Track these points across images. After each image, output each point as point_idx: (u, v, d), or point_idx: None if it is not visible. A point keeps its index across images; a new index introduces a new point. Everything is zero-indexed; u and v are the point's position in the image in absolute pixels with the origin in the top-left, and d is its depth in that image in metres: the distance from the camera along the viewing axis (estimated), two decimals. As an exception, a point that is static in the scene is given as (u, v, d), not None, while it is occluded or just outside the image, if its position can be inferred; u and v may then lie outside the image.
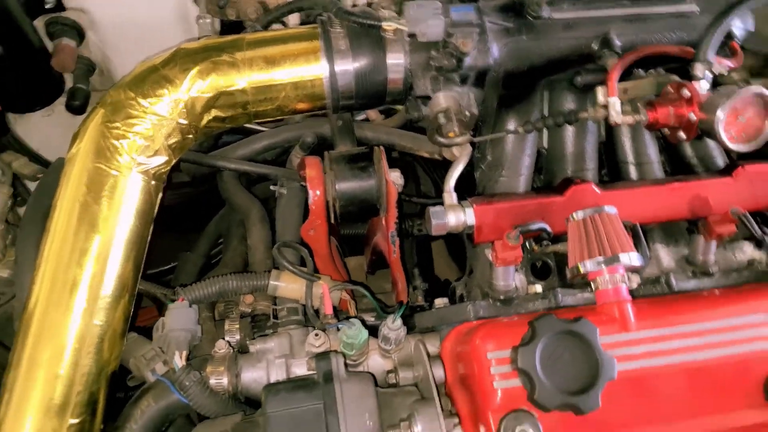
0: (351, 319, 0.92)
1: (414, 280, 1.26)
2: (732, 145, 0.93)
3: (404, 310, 0.98)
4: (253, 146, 1.25)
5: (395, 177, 1.10)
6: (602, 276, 0.88)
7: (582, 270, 0.88)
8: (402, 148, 1.27)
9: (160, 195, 1.01)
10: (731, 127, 0.93)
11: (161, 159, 0.97)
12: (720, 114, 0.92)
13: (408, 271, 1.32)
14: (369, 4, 1.09)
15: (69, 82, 1.50)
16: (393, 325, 0.93)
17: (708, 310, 0.87)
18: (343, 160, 1.07)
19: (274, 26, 1.14)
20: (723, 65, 0.99)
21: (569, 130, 1.17)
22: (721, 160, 1.21)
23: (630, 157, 1.19)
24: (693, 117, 0.97)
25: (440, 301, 1.08)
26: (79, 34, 1.46)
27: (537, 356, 0.78)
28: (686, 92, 0.98)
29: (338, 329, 0.94)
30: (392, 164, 1.16)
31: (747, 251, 1.14)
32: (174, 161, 1.00)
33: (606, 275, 0.87)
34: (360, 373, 0.93)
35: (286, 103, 1.00)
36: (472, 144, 1.08)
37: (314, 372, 0.87)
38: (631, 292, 1.02)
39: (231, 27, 1.51)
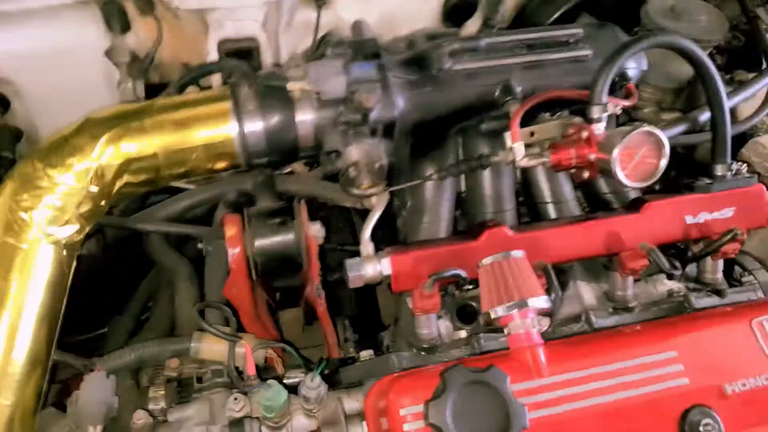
0: (269, 381, 0.91)
1: (345, 331, 1.26)
2: (628, 183, 0.97)
3: (324, 367, 0.97)
4: (175, 206, 1.25)
5: (315, 230, 1.11)
6: (513, 321, 0.89)
7: (493, 316, 0.90)
8: (325, 200, 1.29)
9: (74, 264, 1.00)
10: (627, 165, 0.97)
11: (72, 228, 0.96)
12: (615, 153, 0.96)
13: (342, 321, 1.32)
14: (277, 65, 1.12)
15: (-6, 151, 1.49)
16: (312, 384, 0.92)
17: (621, 350, 0.89)
18: (262, 216, 1.08)
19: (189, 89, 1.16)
20: (618, 106, 1.04)
21: (485, 174, 1.20)
22: (634, 193, 1.26)
23: (547, 196, 1.24)
24: (592, 157, 1.02)
25: (366, 354, 1.08)
26: (3, 103, 1.45)
27: (448, 410, 0.78)
28: (585, 134, 1.03)
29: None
30: (327, 213, 1.17)
31: (667, 283, 1.18)
32: (87, 229, 0.99)
33: (516, 320, 0.89)
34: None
35: (198, 164, 1.01)
36: (392, 193, 1.10)
37: (230, 439, 0.85)
38: (550, 333, 1.04)
39: (157, 89, 1.53)
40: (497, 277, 0.91)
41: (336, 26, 1.56)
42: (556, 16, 1.61)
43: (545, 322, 0.90)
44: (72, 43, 1.40)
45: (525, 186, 1.26)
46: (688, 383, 0.85)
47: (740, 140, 1.43)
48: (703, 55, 1.05)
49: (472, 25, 1.71)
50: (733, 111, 1.45)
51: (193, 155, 0.99)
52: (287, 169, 1.35)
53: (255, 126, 0.99)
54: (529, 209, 1.28)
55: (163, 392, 1.06)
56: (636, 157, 0.97)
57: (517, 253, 0.93)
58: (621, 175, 0.96)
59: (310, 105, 1.01)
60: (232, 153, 1.01)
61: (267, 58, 1.45)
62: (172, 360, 1.13)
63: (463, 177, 1.22)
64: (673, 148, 1.56)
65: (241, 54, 1.43)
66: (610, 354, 0.87)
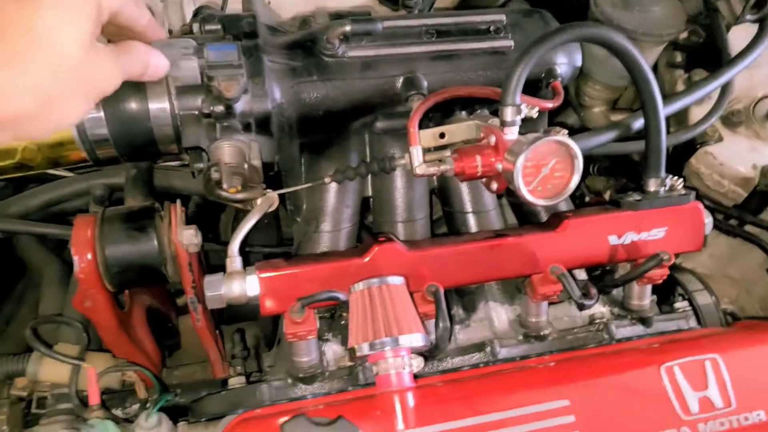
0: (90, 419, 0.77)
1: (234, 347, 1.11)
2: (532, 199, 0.83)
3: (164, 402, 0.83)
4: (30, 201, 1.09)
5: (187, 236, 0.96)
6: (382, 360, 0.75)
7: (359, 353, 0.76)
8: (216, 199, 1.13)
9: None
10: (533, 180, 0.83)
11: None
12: (518, 163, 0.81)
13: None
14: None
15: None
16: (145, 424, 0.77)
17: (505, 396, 0.76)
18: (117, 219, 0.92)
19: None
20: (535, 107, 0.89)
21: (396, 177, 1.05)
22: (564, 204, 1.12)
23: (467, 205, 1.09)
24: (500, 167, 0.87)
25: (235, 381, 0.94)
26: None
27: (285, 469, 0.65)
28: (493, 138, 0.88)
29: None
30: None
31: (594, 307, 1.05)
32: None
33: (386, 359, 0.75)
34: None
35: (30, 156, 0.85)
36: (282, 196, 0.95)
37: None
38: (451, 363, 0.91)
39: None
40: (368, 307, 0.77)
41: None
42: (499, 4, 1.45)
43: (419, 363, 0.76)
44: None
45: (442, 191, 1.11)
46: (578, 440, 0.72)
47: (690, 148, 1.29)
48: (635, 52, 0.90)
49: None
50: (684, 115, 1.31)
51: (21, 145, 0.83)
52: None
53: (92, 113, 0.83)
54: (447, 218, 1.13)
55: (5, 415, 0.93)
56: (544, 170, 0.83)
57: (395, 280, 0.79)
58: (524, 190, 0.82)
59: (165, 91, 0.84)
60: (71, 143, 0.85)
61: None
62: (19, 379, 0.98)
63: (370, 180, 1.07)
64: (625, 156, 1.45)
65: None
66: (491, 402, 0.74)
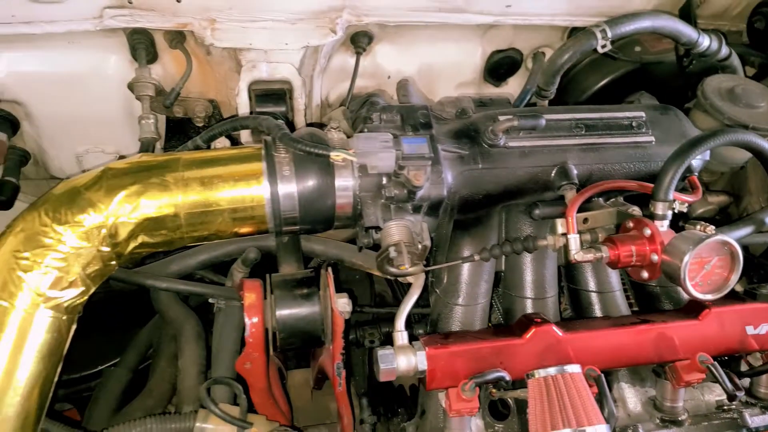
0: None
1: (362, 412, 1.15)
2: (698, 295, 0.88)
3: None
4: (188, 261, 1.15)
5: (342, 304, 1.01)
6: (565, 447, 0.79)
7: (541, 438, 0.79)
8: (352, 265, 1.19)
9: (74, 327, 0.89)
10: (696, 275, 0.88)
11: (76, 291, 0.86)
12: (685, 260, 0.87)
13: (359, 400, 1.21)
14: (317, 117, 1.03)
15: (-1, 173, 1.39)
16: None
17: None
18: (286, 285, 0.98)
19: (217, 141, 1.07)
20: (684, 203, 0.95)
21: (528, 256, 1.11)
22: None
23: (591, 284, 1.14)
24: (655, 258, 0.92)
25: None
26: (12, 125, 1.36)
27: None
28: (647, 231, 0.94)
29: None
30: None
31: (716, 391, 1.08)
32: (92, 290, 0.89)
33: (570, 446, 0.79)
34: None
35: (223, 228, 0.91)
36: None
37: None
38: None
39: (179, 123, 1.44)
40: (551, 395, 0.81)
41: (374, 73, 1.48)
42: (603, 83, 1.54)
43: (600, 451, 0.80)
44: (92, 69, 1.32)
45: (568, 269, 1.17)
46: None
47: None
48: (780, 156, 0.96)
49: (512, 83, 1.64)
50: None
51: (218, 218, 0.89)
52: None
53: (289, 189, 0.90)
54: (570, 294, 1.18)
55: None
56: (706, 267, 0.88)
57: (574, 368, 0.83)
58: (689, 285, 0.87)
59: (350, 173, 0.91)
60: (262, 217, 0.92)
61: (299, 102, 1.37)
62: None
63: (503, 257, 1.13)
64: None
65: (273, 95, 1.35)
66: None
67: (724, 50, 1.33)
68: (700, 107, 1.32)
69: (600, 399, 0.87)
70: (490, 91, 1.63)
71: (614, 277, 1.14)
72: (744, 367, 1.10)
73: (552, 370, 0.83)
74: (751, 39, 1.51)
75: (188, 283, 1.13)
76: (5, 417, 0.83)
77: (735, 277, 0.89)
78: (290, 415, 1.15)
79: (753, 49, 1.53)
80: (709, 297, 0.89)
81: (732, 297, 1.04)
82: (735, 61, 1.40)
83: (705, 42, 1.28)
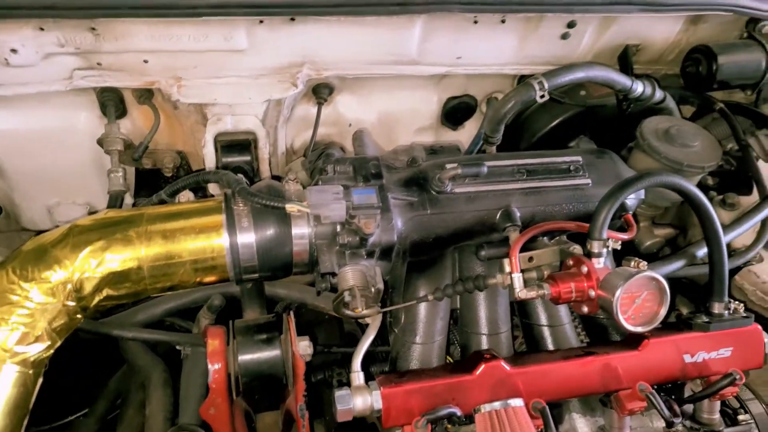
0: None
1: (330, 450, 1.18)
2: (629, 327, 0.95)
3: None
4: (154, 310, 1.19)
5: (303, 347, 1.05)
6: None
7: (490, 470, 0.84)
8: (315, 308, 1.24)
9: (40, 380, 0.92)
10: (628, 309, 0.95)
11: (42, 345, 0.89)
12: (617, 295, 0.94)
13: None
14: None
15: (-32, 228, 1.43)
16: None
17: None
18: (248, 330, 1.03)
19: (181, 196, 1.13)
20: (618, 241, 1.03)
21: (481, 294, 1.17)
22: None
23: (543, 319, 1.20)
24: (592, 293, 0.99)
25: (346, 488, 1.01)
26: (-18, 180, 1.41)
27: None
28: (585, 268, 1.01)
29: None
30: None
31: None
32: (58, 344, 0.93)
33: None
34: None
35: (186, 278, 0.96)
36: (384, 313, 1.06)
37: None
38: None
39: (148, 174, 1.49)
40: (495, 428, 0.86)
41: (336, 121, 1.56)
42: (552, 125, 1.64)
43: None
44: (63, 126, 1.38)
45: (520, 305, 1.23)
46: None
47: (734, 267, 1.43)
48: (702, 197, 1.05)
49: (469, 126, 1.73)
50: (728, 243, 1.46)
51: (180, 269, 0.95)
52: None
53: (247, 239, 0.95)
54: (524, 328, 1.24)
55: None
56: (637, 301, 0.95)
57: (517, 402, 0.89)
58: (622, 318, 0.94)
59: (306, 222, 0.98)
60: (222, 267, 0.97)
61: (264, 151, 1.43)
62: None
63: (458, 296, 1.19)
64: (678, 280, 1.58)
65: (238, 146, 1.41)
66: None
67: (658, 94, 1.44)
68: (639, 147, 1.42)
69: (545, 430, 0.93)
70: (448, 135, 1.72)
71: (563, 311, 1.21)
72: (688, 394, 1.16)
73: (497, 405, 0.88)
74: (685, 82, 1.62)
75: (154, 332, 1.17)
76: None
77: (664, 310, 0.96)
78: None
79: (688, 90, 1.65)
80: (640, 329, 0.96)
81: (670, 327, 1.12)
82: (671, 103, 1.51)
83: (639, 88, 1.38)
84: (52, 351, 0.91)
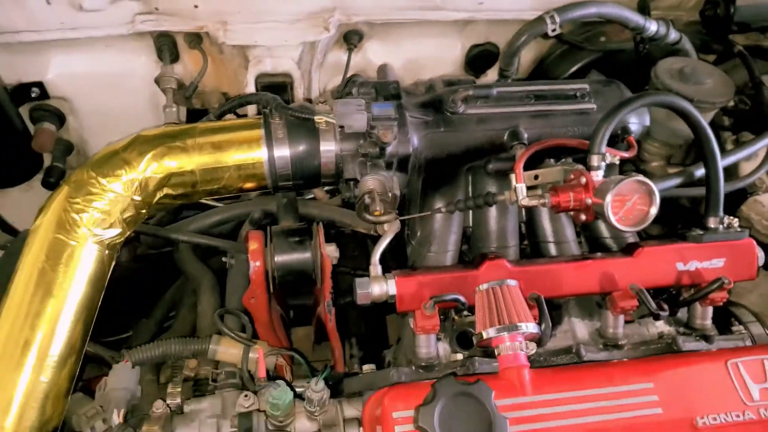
0: (277, 380, 0.99)
1: (351, 349, 1.34)
2: (620, 226, 1.05)
3: (328, 373, 1.05)
4: (205, 221, 1.37)
5: (331, 251, 1.21)
6: (504, 343, 0.97)
7: (485, 337, 0.97)
8: (342, 224, 1.39)
9: (113, 263, 1.11)
10: (619, 210, 1.06)
11: (115, 231, 1.07)
12: (608, 198, 1.05)
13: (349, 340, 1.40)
14: (309, 100, 1.24)
15: (48, 161, 1.64)
16: (316, 387, 1.00)
17: (600, 378, 0.96)
18: (283, 234, 1.18)
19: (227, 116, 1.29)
20: (616, 156, 1.13)
21: (492, 211, 1.29)
22: (633, 239, 1.34)
23: (549, 236, 1.32)
24: (589, 201, 1.10)
25: (368, 367, 1.15)
26: (59, 119, 1.61)
27: (436, 416, 0.85)
28: (583, 179, 1.12)
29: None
30: (343, 239, 1.24)
31: (658, 326, 1.24)
32: (128, 233, 1.11)
33: (507, 342, 0.96)
34: None
35: (230, 183, 1.13)
36: (402, 222, 1.20)
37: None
38: (542, 362, 1.11)
39: (197, 114, 1.67)
40: (492, 302, 0.99)
41: (365, 68, 1.70)
42: (572, 70, 1.72)
43: (533, 347, 0.97)
44: (126, 69, 1.57)
45: (529, 225, 1.35)
46: (661, 413, 0.91)
47: (741, 196, 1.49)
48: (698, 115, 1.14)
49: (491, 74, 1.84)
50: (734, 168, 1.52)
51: (226, 174, 1.11)
52: (309, 195, 1.47)
53: (282, 152, 1.11)
54: (532, 247, 1.36)
55: (180, 389, 1.16)
56: (628, 204, 1.05)
57: (511, 282, 1.01)
58: (613, 219, 1.04)
59: (333, 137, 1.12)
60: (261, 175, 1.13)
61: (299, 93, 1.59)
62: (191, 361, 1.22)
63: (471, 213, 1.31)
64: (677, 201, 1.65)
65: (276, 87, 1.57)
66: (589, 381, 0.94)
67: (673, 35, 1.51)
68: (653, 86, 1.50)
69: (539, 316, 1.05)
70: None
71: (569, 229, 1.32)
72: (685, 306, 1.25)
73: (494, 283, 1.01)
74: (705, 26, 1.67)
75: (204, 236, 1.35)
76: (61, 333, 1.03)
77: (654, 210, 1.06)
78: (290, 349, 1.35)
79: (709, 36, 1.70)
80: (632, 229, 1.06)
81: (666, 238, 1.21)
82: (687, 44, 1.57)
83: (652, 27, 1.46)
84: (123, 238, 1.10)
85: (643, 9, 1.66)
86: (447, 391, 0.87)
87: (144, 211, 1.11)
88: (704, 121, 1.14)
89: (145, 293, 1.61)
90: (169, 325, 1.53)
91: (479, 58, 1.77)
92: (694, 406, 0.94)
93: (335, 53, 1.67)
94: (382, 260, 1.12)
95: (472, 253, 1.34)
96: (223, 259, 1.39)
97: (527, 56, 1.82)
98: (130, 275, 1.57)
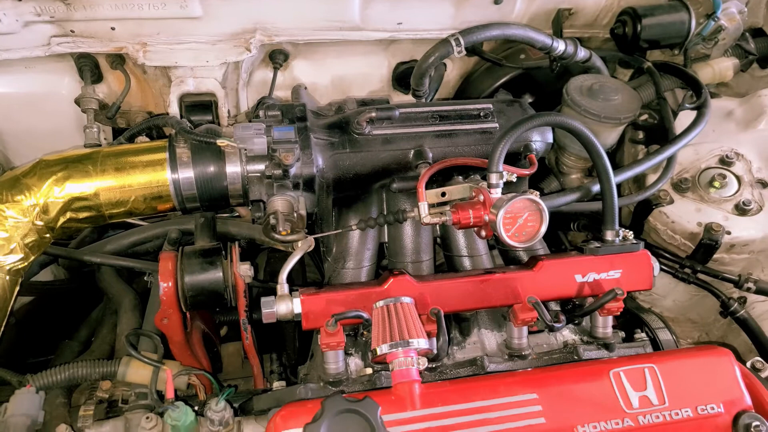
0: (176, 402, 1.01)
1: (272, 365, 1.36)
2: (511, 243, 1.10)
3: (230, 393, 1.07)
4: (122, 241, 1.38)
5: (244, 269, 1.23)
6: (397, 358, 1.00)
7: (379, 353, 1.01)
8: (261, 242, 1.41)
9: (17, 289, 1.11)
10: (511, 227, 1.10)
11: (17, 257, 1.08)
12: (499, 215, 1.09)
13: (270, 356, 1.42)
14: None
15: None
16: (216, 408, 1.02)
17: (487, 390, 0.99)
18: (194, 254, 1.20)
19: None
20: (513, 174, 1.17)
21: (406, 226, 1.33)
22: (543, 251, 1.39)
23: (463, 250, 1.36)
24: (487, 218, 1.15)
25: (278, 384, 1.18)
26: (-19, 142, 1.60)
27: (323, 432, 0.88)
28: (481, 197, 1.16)
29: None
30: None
31: (565, 335, 1.29)
32: (32, 258, 1.11)
33: (400, 357, 1.00)
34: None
35: (138, 206, 1.14)
36: (318, 239, 1.23)
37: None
38: (446, 373, 1.15)
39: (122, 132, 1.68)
40: (386, 319, 1.03)
41: (292, 86, 1.72)
42: (494, 86, 1.78)
43: (424, 362, 1.01)
44: (48, 90, 1.57)
45: (444, 239, 1.39)
46: (544, 422, 0.95)
47: (647, 209, 1.56)
48: (589, 134, 1.19)
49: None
50: (642, 181, 1.59)
51: (132, 197, 1.12)
52: (236, 213, 1.49)
53: (187, 174, 1.13)
54: (447, 261, 1.40)
55: (91, 411, 1.16)
56: (519, 221, 1.10)
57: (406, 299, 1.05)
58: (504, 235, 1.09)
59: (238, 159, 1.14)
60: (168, 197, 1.15)
61: (224, 111, 1.61)
62: (104, 383, 1.23)
63: (386, 228, 1.35)
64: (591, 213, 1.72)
65: (201, 106, 1.59)
66: (478, 393, 0.98)
67: (581, 53, 1.57)
68: (564, 103, 1.56)
69: (438, 332, 1.09)
70: (401, 98, 1.87)
71: (480, 243, 1.36)
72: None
73: (390, 300, 1.04)
74: (617, 45, 1.75)
75: (120, 258, 1.35)
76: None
77: (543, 227, 1.11)
78: (210, 369, 1.36)
79: (621, 53, 1.78)
80: (524, 245, 1.11)
81: (565, 252, 1.26)
82: (597, 62, 1.64)
83: (560, 46, 1.52)
84: (26, 263, 1.10)
85: (556, 28, 1.73)
86: (334, 408, 0.90)
87: (48, 235, 1.11)
88: (595, 139, 1.20)
89: (71, 313, 1.61)
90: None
91: (407, 75, 1.81)
92: (576, 415, 0.98)
93: (263, 71, 1.69)
94: (289, 279, 1.15)
95: (389, 267, 1.37)
96: (145, 278, 1.40)
97: (453, 73, 1.87)
98: (54, 295, 1.56)
